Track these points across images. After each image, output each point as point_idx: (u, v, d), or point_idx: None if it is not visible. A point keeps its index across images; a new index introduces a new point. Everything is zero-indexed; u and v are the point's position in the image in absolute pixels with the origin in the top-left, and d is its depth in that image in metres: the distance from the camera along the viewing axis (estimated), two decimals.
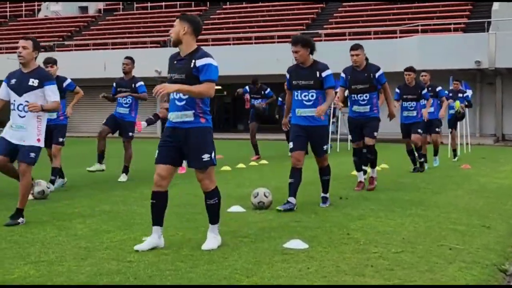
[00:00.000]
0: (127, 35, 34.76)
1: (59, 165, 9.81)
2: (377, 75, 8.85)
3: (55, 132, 9.59)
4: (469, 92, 18.35)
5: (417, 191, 9.53)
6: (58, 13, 40.31)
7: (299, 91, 7.50)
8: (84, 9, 40.53)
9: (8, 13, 41.81)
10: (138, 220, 6.89)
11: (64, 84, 9.65)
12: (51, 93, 6.69)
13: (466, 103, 16.51)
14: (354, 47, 8.95)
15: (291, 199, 7.50)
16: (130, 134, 11.24)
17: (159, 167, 5.27)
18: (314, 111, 7.31)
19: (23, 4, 41.49)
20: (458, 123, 16.55)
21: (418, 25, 28.19)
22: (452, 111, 15.40)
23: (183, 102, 5.27)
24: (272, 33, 30.16)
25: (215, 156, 5.48)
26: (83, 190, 9.88)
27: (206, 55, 5.35)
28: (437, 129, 13.85)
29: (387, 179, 11.07)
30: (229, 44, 31.31)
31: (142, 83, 11.35)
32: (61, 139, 9.74)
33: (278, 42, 28.68)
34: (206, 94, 5.32)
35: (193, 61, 5.29)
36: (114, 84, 11.54)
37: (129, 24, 36.45)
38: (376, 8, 32.15)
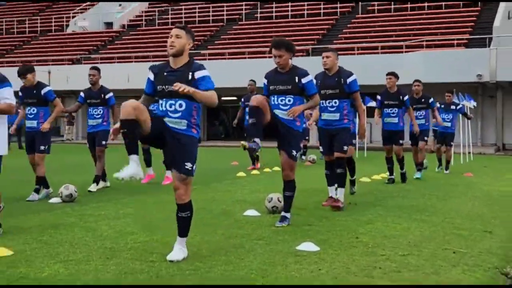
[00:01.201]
0: (149, 49, 34.87)
1: (43, 173, 9.16)
2: (348, 80, 7.79)
3: (36, 140, 9.08)
4: (469, 103, 18.26)
5: (422, 197, 9.47)
6: (85, 28, 40.58)
7: (275, 96, 6.74)
8: (109, 25, 40.78)
9: (39, 28, 42.13)
10: (158, 223, 6.88)
11: (43, 92, 9.00)
12: (4, 95, 5.94)
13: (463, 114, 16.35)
14: (326, 51, 8.08)
15: (287, 214, 6.82)
16: (103, 142, 10.32)
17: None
18: (290, 115, 6.57)
19: (53, 20, 41.82)
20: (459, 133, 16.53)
21: (423, 41, 28.16)
22: (446, 123, 14.56)
23: (178, 114, 4.99)
24: None
25: (195, 168, 5.10)
26: (109, 194, 9.87)
27: (203, 67, 5.14)
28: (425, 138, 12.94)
29: (393, 186, 11.02)
30: (244, 57, 31.25)
31: (111, 94, 10.44)
32: (42, 147, 9.06)
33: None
34: (213, 101, 5.06)
35: (190, 73, 5.05)
36: (82, 94, 10.52)
37: (151, 39, 36.59)
38: (383, 24, 32.13)
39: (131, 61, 32.91)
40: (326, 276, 4.55)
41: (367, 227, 6.66)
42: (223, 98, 28.14)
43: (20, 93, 9.03)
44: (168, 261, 4.81)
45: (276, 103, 6.70)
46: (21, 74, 8.87)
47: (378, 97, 11.54)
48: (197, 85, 4.93)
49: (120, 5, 41.85)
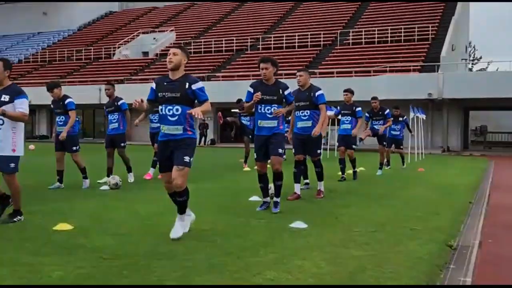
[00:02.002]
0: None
1: (83, 165, 8.79)
2: (316, 94, 7.45)
3: (67, 142, 8.53)
4: (421, 116, 18.40)
5: (386, 187, 9.49)
6: (127, 56, 40.66)
7: (262, 105, 6.34)
8: (145, 53, 40.82)
9: (92, 56, 42.22)
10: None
11: (66, 102, 8.52)
12: (19, 105, 5.46)
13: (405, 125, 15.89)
14: (299, 70, 7.81)
15: (266, 199, 6.57)
16: (122, 144, 9.73)
17: (165, 176, 5.02)
18: (274, 123, 6.34)
19: (103, 50, 41.92)
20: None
21: (386, 67, 28.21)
22: (395, 132, 14.38)
23: (175, 118, 4.87)
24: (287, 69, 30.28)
25: (192, 161, 4.89)
26: (149, 183, 9.88)
27: (198, 80, 5.06)
28: (384, 143, 12.64)
29: (364, 178, 11.01)
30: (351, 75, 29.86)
31: (123, 100, 9.80)
32: (74, 148, 8.65)
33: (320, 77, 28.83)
34: (209, 110, 5.08)
35: (187, 83, 4.91)
36: (105, 107, 10.10)
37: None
38: (356, 54, 32.13)
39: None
40: (313, 247, 4.57)
41: (344, 210, 6.68)
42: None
43: (51, 105, 8.78)
44: (171, 239, 4.71)
45: (263, 111, 6.36)
46: (50, 89, 8.53)
47: (338, 107, 11.40)
48: (195, 95, 4.92)
49: (154, 38, 41.93)
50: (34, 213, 6.08)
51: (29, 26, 51.40)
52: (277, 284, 3.50)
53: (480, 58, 57.29)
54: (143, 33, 43.75)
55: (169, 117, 4.87)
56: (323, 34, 35.67)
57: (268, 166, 6.58)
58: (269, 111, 6.32)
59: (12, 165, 5.48)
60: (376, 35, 33.63)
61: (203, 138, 31.56)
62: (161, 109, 4.96)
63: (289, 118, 8.08)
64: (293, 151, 7.91)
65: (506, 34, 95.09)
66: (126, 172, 9.96)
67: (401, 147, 14.78)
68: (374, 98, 12.37)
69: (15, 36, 51.82)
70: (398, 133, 14.44)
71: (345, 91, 10.48)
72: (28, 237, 4.83)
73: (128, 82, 34.74)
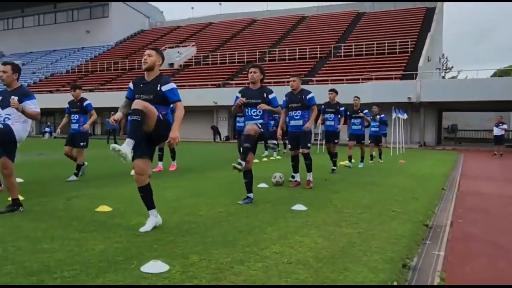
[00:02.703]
0: (196, 80, 34.99)
1: (81, 162, 8.27)
2: (307, 97, 7.18)
3: (77, 138, 8.25)
4: (402, 116, 18.31)
5: (371, 176, 9.46)
6: None
7: (249, 108, 5.89)
8: (171, 65, 40.90)
9: (127, 67, 42.34)
10: (202, 191, 6.87)
11: (84, 104, 8.27)
12: (32, 105, 5.05)
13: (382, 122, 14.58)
14: (292, 76, 7.47)
15: (249, 194, 5.95)
16: (81, 144, 8.51)
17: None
18: (260, 120, 5.84)
19: (136, 62, 42.08)
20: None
21: (372, 75, 28.15)
22: (374, 129, 13.41)
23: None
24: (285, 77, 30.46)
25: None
26: (172, 173, 9.81)
27: (169, 80, 4.45)
28: (366, 140, 12.11)
29: (353, 169, 10.99)
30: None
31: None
32: (82, 144, 8.29)
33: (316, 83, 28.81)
34: (182, 114, 4.41)
35: (159, 85, 4.33)
36: (68, 105, 8.65)
37: (197, 74, 36.74)
38: (347, 64, 32.05)
39: (185, 88, 33.02)
40: (311, 225, 4.57)
41: (336, 195, 6.66)
42: None
43: (67, 105, 8.38)
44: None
45: (250, 114, 5.91)
46: (74, 88, 8.32)
47: (322, 106, 10.36)
48: (165, 96, 4.34)
49: (178, 52, 41.95)
50: (79, 197, 6.14)
51: (74, 42, 51.65)
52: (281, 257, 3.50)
53: (452, 67, 56.87)
54: (169, 47, 43.77)
55: None
56: (319, 48, 35.61)
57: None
58: (255, 113, 5.88)
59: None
60: (364, 49, 33.56)
61: (217, 136, 31.61)
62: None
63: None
64: (289, 147, 7.74)
65: (474, 47, 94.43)
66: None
67: (381, 144, 13.95)
68: (356, 97, 11.69)
69: (63, 51, 52.08)
70: (377, 130, 13.56)
71: (330, 90, 9.97)
72: (74, 217, 4.87)
73: None
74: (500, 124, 19.09)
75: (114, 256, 3.45)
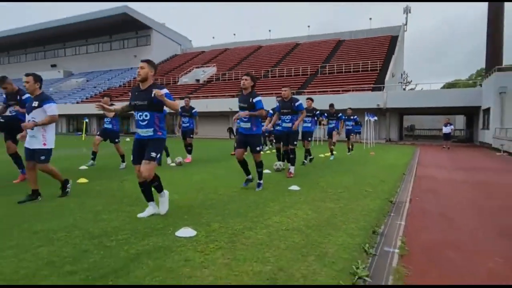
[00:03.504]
0: (217, 92, 34.93)
1: (122, 152, 8.02)
2: (296, 104, 6.78)
3: (111, 135, 8.03)
4: (372, 119, 18.17)
5: (349, 165, 9.40)
6: (186, 82, 40.70)
7: (240, 111, 5.26)
8: (197, 80, 40.79)
9: (164, 82, 42.30)
10: (222, 175, 6.83)
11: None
12: (47, 109, 4.50)
13: (355, 123, 14.39)
14: (284, 87, 6.96)
15: (248, 177, 5.63)
16: (192, 136, 9.32)
17: (136, 167, 3.74)
18: (248, 125, 5.25)
19: (171, 79, 42.02)
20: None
21: (350, 88, 27.95)
22: (348, 127, 12.67)
23: (146, 122, 3.71)
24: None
25: (160, 158, 3.77)
26: (198, 162, 9.68)
27: (163, 87, 3.73)
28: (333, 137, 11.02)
29: (335, 160, 10.93)
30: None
31: (195, 109, 9.24)
32: (116, 140, 8.06)
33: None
34: (175, 108, 3.71)
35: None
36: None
37: (217, 88, 36.65)
38: (331, 79, 31.78)
39: (208, 98, 33.00)
40: (303, 202, 4.55)
41: (322, 179, 6.63)
42: None
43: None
44: (162, 214, 3.81)
45: (242, 117, 5.27)
46: (104, 96, 7.82)
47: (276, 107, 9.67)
48: (157, 101, 3.68)
49: (203, 70, 41.86)
50: (129, 180, 6.16)
51: (125, 64, 51.74)
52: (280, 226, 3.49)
53: (411, 81, 56.15)
54: (196, 67, 43.69)
55: (140, 122, 3.74)
56: (309, 67, 35.33)
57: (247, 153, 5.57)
58: (244, 117, 5.25)
59: (42, 157, 4.50)
60: (343, 68, 33.30)
61: (232, 134, 31.54)
62: (135, 115, 3.80)
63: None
64: (281, 143, 7.51)
65: (427, 65, 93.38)
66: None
67: (351, 136, 13.06)
68: (331, 105, 11.31)
69: (116, 70, 52.20)
70: (351, 128, 12.83)
71: (307, 98, 9.43)
72: (125, 195, 4.90)
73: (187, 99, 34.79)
74: (448, 125, 19.07)
75: (155, 224, 3.47)
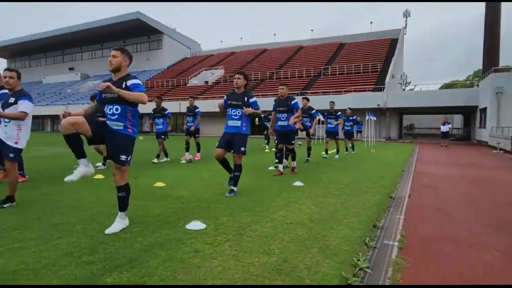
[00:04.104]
0: (224, 93, 34.98)
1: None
2: (292, 102, 6.38)
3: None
4: (373, 118, 18.05)
5: (350, 162, 9.36)
6: (196, 83, 40.78)
7: (230, 109, 4.76)
8: (206, 82, 40.87)
9: (175, 84, 42.49)
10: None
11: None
12: (20, 105, 4.02)
13: (354, 122, 13.19)
14: (281, 85, 6.52)
15: (231, 175, 5.00)
16: (197, 135, 9.06)
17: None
18: (238, 123, 4.71)
19: (181, 80, 42.12)
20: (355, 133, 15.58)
21: (351, 89, 27.76)
22: (347, 128, 12.04)
23: (116, 116, 3.10)
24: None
25: (129, 160, 3.15)
26: (207, 159, 9.68)
27: (135, 77, 3.19)
28: (337, 137, 10.43)
29: (334, 158, 10.88)
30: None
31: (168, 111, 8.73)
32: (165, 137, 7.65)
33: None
34: (141, 100, 3.02)
35: (124, 82, 3.13)
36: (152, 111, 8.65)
37: (225, 89, 36.67)
38: (333, 80, 31.62)
39: (215, 98, 33.04)
40: (307, 197, 4.54)
41: (325, 175, 6.61)
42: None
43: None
44: (105, 234, 3.00)
45: (230, 114, 4.78)
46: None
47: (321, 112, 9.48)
48: (129, 89, 3.10)
49: (211, 73, 41.91)
50: (142, 176, 6.21)
51: (138, 67, 52.04)
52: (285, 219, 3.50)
53: (410, 82, 55.66)
54: (205, 69, 43.77)
55: (109, 116, 3.14)
56: (313, 69, 35.18)
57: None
58: (234, 114, 4.74)
59: (11, 155, 3.99)
60: (345, 69, 33.09)
61: None
62: (105, 109, 3.20)
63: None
64: (276, 142, 6.94)
65: (426, 67, 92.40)
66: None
67: (352, 138, 12.47)
68: (332, 102, 10.43)
69: (130, 73, 52.58)
70: (349, 128, 12.16)
71: (303, 98, 8.85)
72: (139, 190, 4.93)
73: (197, 99, 34.88)
74: (446, 124, 18.90)
75: (167, 217, 3.50)
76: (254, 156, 11.09)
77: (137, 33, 50.57)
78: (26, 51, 61.04)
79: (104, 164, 7.59)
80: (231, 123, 4.78)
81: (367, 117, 17.45)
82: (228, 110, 4.85)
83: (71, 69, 58.11)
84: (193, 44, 55.64)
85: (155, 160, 8.58)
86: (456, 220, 3.81)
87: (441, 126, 19.26)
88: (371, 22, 62.04)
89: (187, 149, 9.31)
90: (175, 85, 43.21)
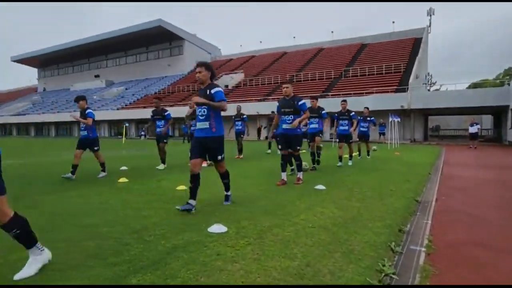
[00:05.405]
0: (243, 97, 35.15)
1: (102, 160, 6.85)
2: (299, 103, 5.59)
3: (88, 144, 6.63)
4: (396, 119, 17.63)
5: (374, 164, 9.15)
6: None
7: (197, 108, 4.03)
8: (226, 86, 41.18)
9: (196, 88, 43.15)
10: (250, 175, 6.80)
11: (87, 112, 6.46)
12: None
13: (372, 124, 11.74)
14: (285, 83, 5.75)
15: (191, 201, 3.93)
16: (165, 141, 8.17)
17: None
18: (206, 124, 3.95)
19: (195, 85, 42.59)
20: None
21: (373, 90, 27.24)
22: (363, 129, 11.02)
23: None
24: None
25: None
26: (227, 161, 9.78)
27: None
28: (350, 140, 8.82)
29: (358, 159, 10.67)
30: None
31: (168, 112, 8.15)
32: (95, 148, 6.70)
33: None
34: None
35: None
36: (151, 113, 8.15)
37: (244, 93, 36.86)
38: (354, 82, 31.15)
39: (236, 102, 33.28)
40: (329, 200, 4.47)
41: (347, 178, 6.50)
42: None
43: (80, 115, 6.59)
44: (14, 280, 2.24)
45: (198, 114, 4.02)
46: (76, 101, 6.47)
47: (333, 114, 8.75)
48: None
49: (231, 77, 42.28)
50: (166, 180, 6.31)
51: (160, 72, 53.33)
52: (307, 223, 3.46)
53: (435, 82, 54.01)
54: (225, 74, 44.20)
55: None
56: (333, 71, 34.81)
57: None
58: (200, 113, 4.02)
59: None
60: (367, 71, 32.54)
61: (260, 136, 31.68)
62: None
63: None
64: (279, 147, 6.05)
65: (452, 67, 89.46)
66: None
67: (368, 140, 11.26)
68: (344, 100, 8.97)
69: (152, 79, 53.85)
70: (366, 129, 11.07)
71: (311, 97, 8.11)
72: (163, 193, 5.03)
73: None
74: (474, 124, 18.23)
75: (189, 220, 3.54)
76: (273, 159, 11.05)
77: (159, 40, 51.84)
78: (54, 60, 63.87)
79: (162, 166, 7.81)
80: (199, 125, 4.05)
81: (390, 119, 17.03)
82: (197, 109, 4.08)
83: (96, 76, 60.27)
84: (213, 49, 56.40)
85: (161, 167, 8.06)
86: (487, 225, 3.64)
87: (469, 127, 18.58)
88: (393, 22, 60.68)
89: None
90: (196, 90, 43.81)
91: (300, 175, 5.96)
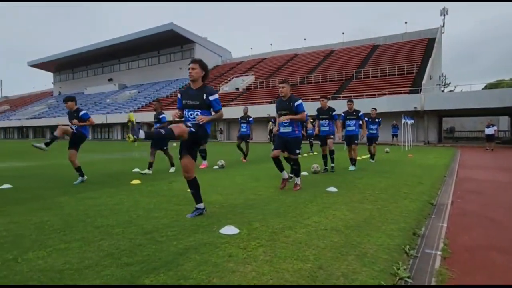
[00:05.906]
0: (254, 100, 35.22)
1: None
2: (295, 104, 5.15)
3: (79, 140, 6.27)
4: (409, 121, 17.38)
5: (387, 166, 9.03)
6: (227, 90, 41.44)
7: (187, 110, 3.72)
8: (237, 89, 41.42)
9: None
10: (262, 177, 6.78)
11: (80, 114, 6.17)
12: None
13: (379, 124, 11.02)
14: (281, 82, 5.25)
15: (199, 205, 3.85)
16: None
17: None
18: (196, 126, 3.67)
19: (213, 87, 42.73)
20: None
21: (386, 91, 26.94)
22: (372, 131, 10.60)
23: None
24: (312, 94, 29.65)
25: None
26: (240, 163, 9.75)
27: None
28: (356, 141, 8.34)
29: (370, 162, 10.54)
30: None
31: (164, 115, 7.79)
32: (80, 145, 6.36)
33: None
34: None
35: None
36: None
37: (255, 95, 36.95)
38: (366, 84, 30.87)
39: (247, 104, 33.33)
40: (341, 203, 4.43)
41: (359, 180, 6.43)
42: None
43: (68, 115, 6.37)
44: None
45: (187, 116, 3.73)
46: (65, 101, 6.26)
47: (342, 114, 8.42)
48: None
49: (242, 79, 42.44)
50: (177, 181, 6.35)
51: (171, 75, 53.92)
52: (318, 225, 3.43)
53: (449, 83, 53.09)
54: (236, 76, 44.42)
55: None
56: (345, 72, 34.59)
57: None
58: (192, 117, 3.71)
59: None
60: (379, 72, 32.20)
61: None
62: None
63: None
64: (272, 147, 5.76)
65: (465, 67, 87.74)
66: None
67: (376, 143, 10.71)
68: (350, 100, 8.56)
69: (164, 82, 54.51)
70: (375, 132, 10.63)
71: (322, 97, 7.65)
72: (174, 195, 5.06)
73: (227, 106, 35.39)
74: (491, 126, 17.84)
75: (201, 222, 3.55)
76: (283, 161, 11.02)
77: (171, 43, 52.45)
78: (69, 65, 65.32)
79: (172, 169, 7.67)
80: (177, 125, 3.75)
81: (403, 121, 16.82)
82: (185, 111, 3.79)
83: (110, 80, 61.34)
84: (224, 52, 56.75)
85: (172, 169, 8.02)
86: (505, 228, 3.54)
87: (486, 129, 18.18)
88: (405, 22, 59.92)
89: (204, 157, 8.90)
90: None
91: (298, 180, 5.54)
